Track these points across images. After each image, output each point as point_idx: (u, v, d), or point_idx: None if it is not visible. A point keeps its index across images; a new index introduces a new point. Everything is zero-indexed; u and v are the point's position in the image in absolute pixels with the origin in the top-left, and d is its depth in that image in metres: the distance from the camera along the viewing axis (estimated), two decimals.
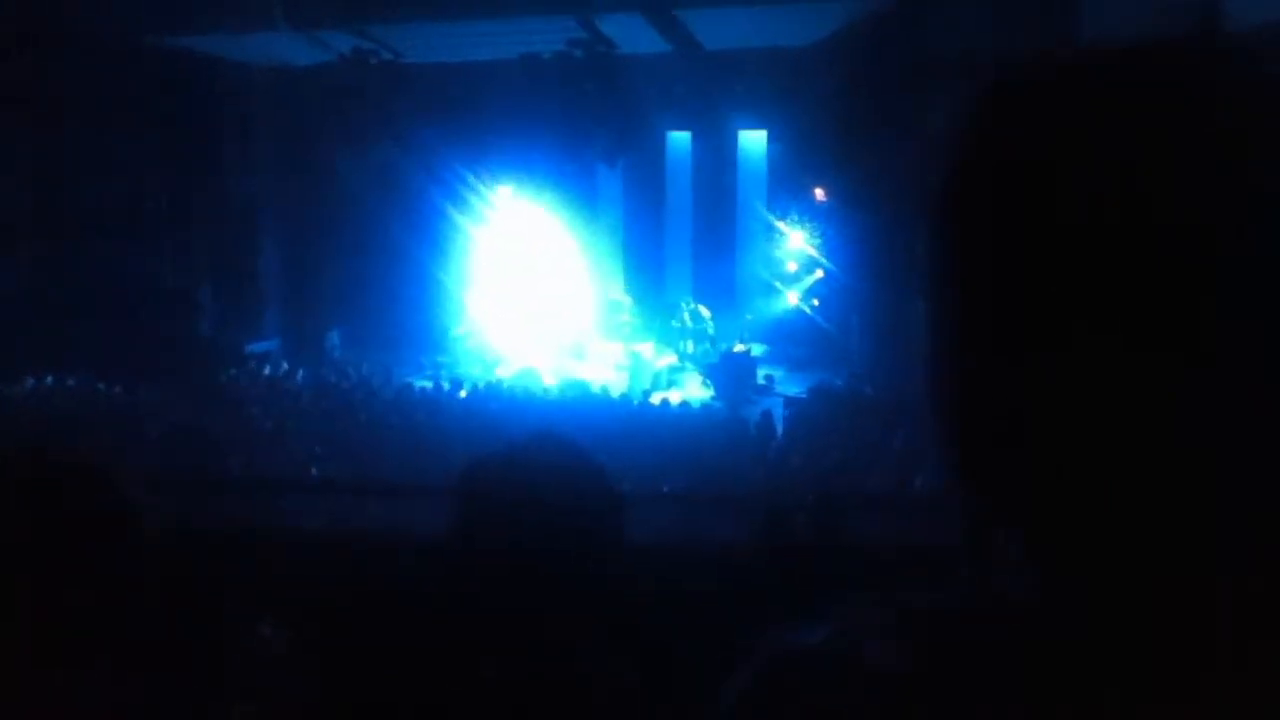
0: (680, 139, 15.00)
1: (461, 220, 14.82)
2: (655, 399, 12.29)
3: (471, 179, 14.54)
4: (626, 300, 15.24)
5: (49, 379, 10.91)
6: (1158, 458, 0.55)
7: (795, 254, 14.57)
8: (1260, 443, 0.54)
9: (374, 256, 14.73)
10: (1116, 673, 0.58)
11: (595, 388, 12.53)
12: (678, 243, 15.48)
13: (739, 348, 13.62)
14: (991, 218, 0.59)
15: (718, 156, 14.89)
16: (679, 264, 15.52)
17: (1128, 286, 0.54)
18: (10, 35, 10.23)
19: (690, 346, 14.36)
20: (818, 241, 14.07)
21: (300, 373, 13.09)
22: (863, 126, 11.37)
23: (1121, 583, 0.58)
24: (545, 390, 12.39)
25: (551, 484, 1.62)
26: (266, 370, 13.18)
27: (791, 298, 14.61)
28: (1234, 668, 0.55)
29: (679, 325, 14.44)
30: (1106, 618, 0.59)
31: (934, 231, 0.64)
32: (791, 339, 14.57)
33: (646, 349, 14.13)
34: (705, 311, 14.35)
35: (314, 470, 8.84)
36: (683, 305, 14.53)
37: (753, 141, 14.74)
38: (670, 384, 13.46)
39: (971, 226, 0.61)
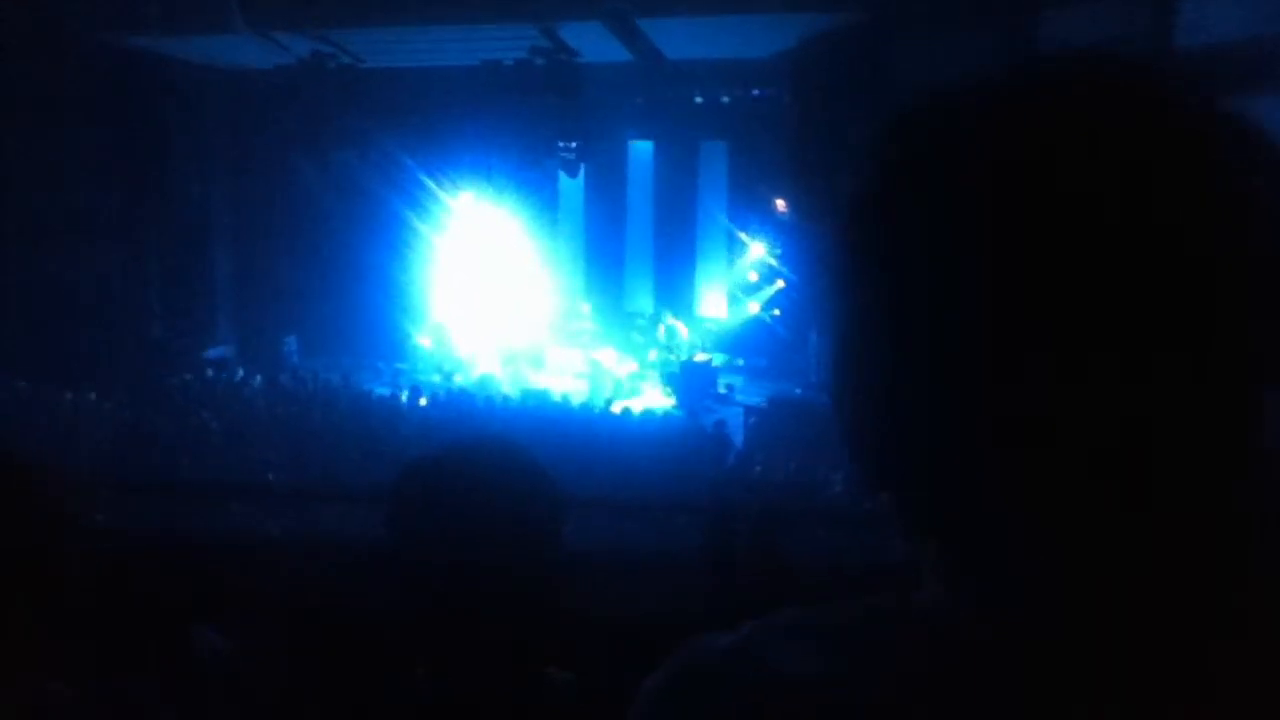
0: (642, 148, 15.03)
1: (422, 227, 14.75)
2: (616, 407, 12.28)
3: (432, 186, 14.47)
4: (587, 308, 15.23)
5: None
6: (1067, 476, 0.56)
7: (756, 264, 14.63)
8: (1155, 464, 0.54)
9: (333, 262, 14.62)
10: (1031, 687, 0.57)
11: (556, 395, 12.50)
12: (639, 251, 15.50)
13: (700, 357, 13.65)
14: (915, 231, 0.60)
15: (680, 166, 14.95)
16: (640, 273, 15.54)
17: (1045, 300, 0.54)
18: None
19: (653, 355, 14.38)
20: (778, 252, 14.13)
21: (257, 379, 12.96)
22: (822, 140, 11.44)
23: (1039, 598, 0.58)
24: (505, 398, 12.34)
25: (486, 487, 1.60)
26: (223, 376, 13.04)
27: (752, 308, 14.66)
28: (1144, 689, 0.55)
29: (654, 339, 14.41)
30: (1024, 630, 0.58)
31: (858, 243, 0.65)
32: (751, 349, 14.63)
33: (607, 357, 14.12)
34: (683, 329, 14.27)
35: (270, 477, 8.76)
36: (662, 319, 14.47)
37: (715, 152, 14.80)
38: (631, 392, 13.46)
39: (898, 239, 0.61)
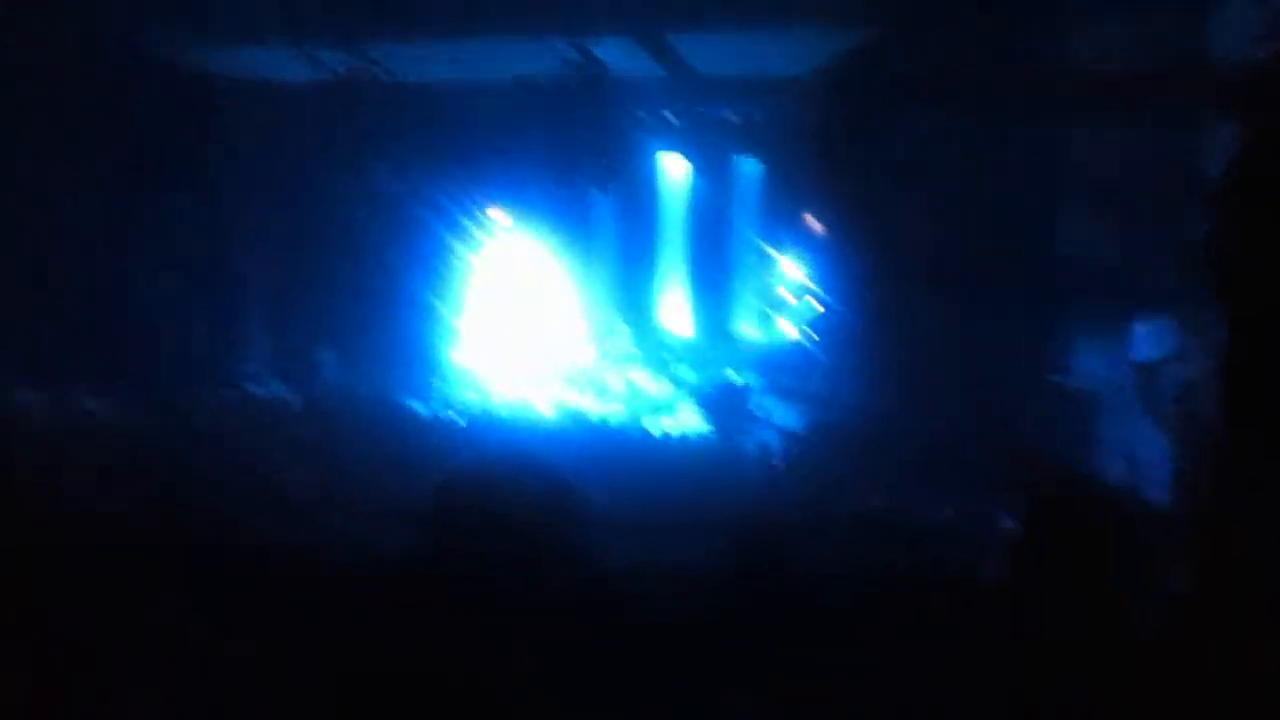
0: (674, 164, 15.00)
1: (455, 243, 14.77)
2: (650, 427, 12.26)
3: (464, 201, 14.50)
4: (621, 328, 15.20)
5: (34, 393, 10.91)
6: None
7: (789, 283, 14.53)
8: None
9: (368, 278, 14.66)
10: None
11: (589, 414, 12.50)
12: (672, 269, 15.44)
13: (733, 377, 13.58)
14: None
15: (712, 182, 14.89)
16: (673, 291, 15.48)
17: None
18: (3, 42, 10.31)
19: (686, 373, 14.32)
20: (812, 271, 14.03)
21: (289, 393, 13.04)
22: (856, 156, 11.39)
23: None
24: (540, 416, 12.35)
25: (518, 504, 1.58)
26: (256, 390, 13.13)
27: (786, 327, 14.55)
28: None
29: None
30: None
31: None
32: (785, 369, 14.50)
33: (641, 376, 14.08)
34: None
35: (300, 491, 8.77)
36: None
37: (748, 168, 14.74)
38: (665, 411, 13.40)
39: None
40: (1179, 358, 7.68)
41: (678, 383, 14.30)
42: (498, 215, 15.06)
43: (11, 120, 10.61)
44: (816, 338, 13.98)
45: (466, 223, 14.69)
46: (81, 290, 11.53)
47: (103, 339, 11.47)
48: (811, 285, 14.06)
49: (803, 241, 14.22)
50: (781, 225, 14.56)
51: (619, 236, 15.56)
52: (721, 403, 13.10)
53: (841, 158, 11.73)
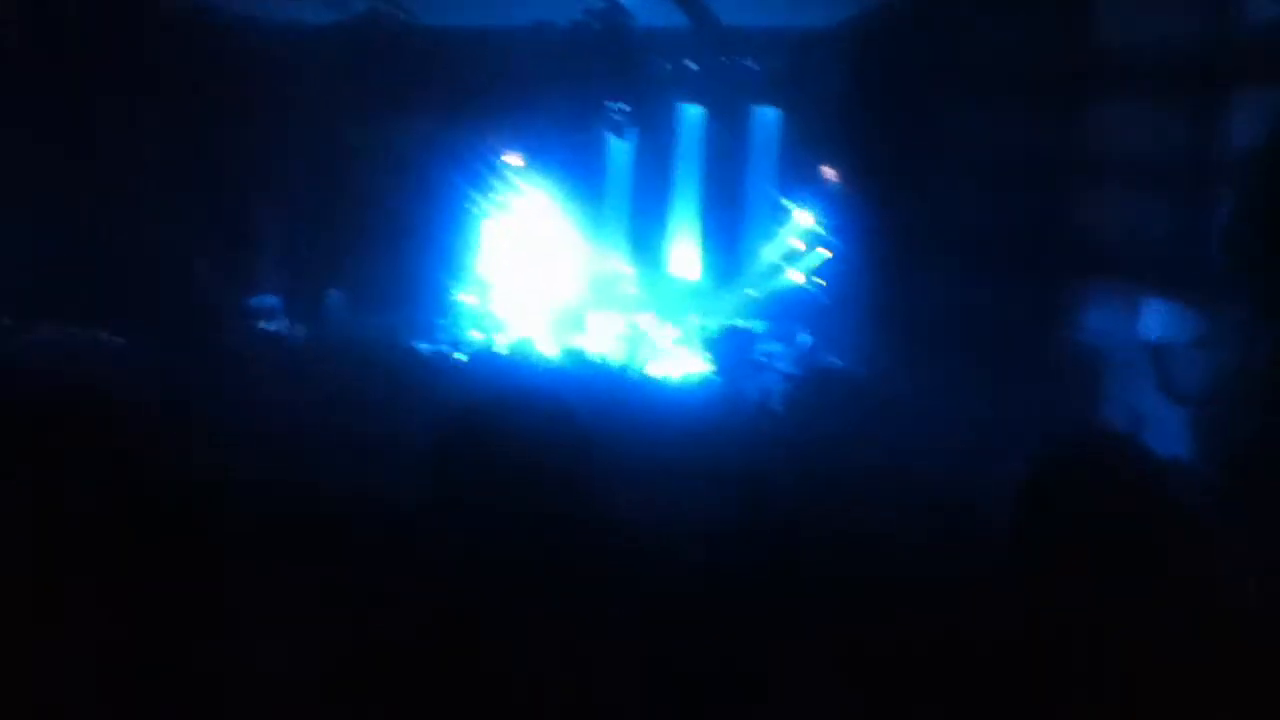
0: (693, 113, 14.90)
1: (468, 186, 14.74)
2: (653, 370, 12.33)
3: (480, 145, 14.45)
4: (630, 272, 15.21)
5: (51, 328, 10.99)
6: None
7: (801, 232, 14.50)
8: None
9: (379, 218, 14.65)
10: None
11: (593, 357, 12.56)
12: (685, 216, 15.42)
13: (740, 323, 13.62)
14: None
15: (730, 132, 14.81)
16: (685, 237, 15.47)
17: None
18: None
19: (694, 319, 14.37)
20: (825, 221, 13.99)
21: (300, 330, 13.11)
22: (878, 111, 11.33)
23: None
24: (542, 358, 12.41)
25: (526, 436, 1.62)
26: (266, 326, 13.20)
27: (795, 276, 14.54)
28: None
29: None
30: None
31: None
32: (792, 317, 14.53)
33: (647, 320, 14.12)
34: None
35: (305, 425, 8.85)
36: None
37: (766, 118, 14.64)
38: (670, 356, 13.46)
39: None
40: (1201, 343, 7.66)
41: (685, 327, 14.35)
42: (513, 159, 15.01)
43: (28, 59, 10.55)
44: (824, 285, 13.99)
45: (481, 166, 14.65)
46: (94, 229, 11.51)
47: (117, 276, 11.50)
48: (823, 235, 14.03)
49: (816, 192, 14.16)
50: (796, 175, 14.49)
51: (633, 182, 15.51)
52: (726, 348, 13.15)
53: (860, 111, 11.66)
